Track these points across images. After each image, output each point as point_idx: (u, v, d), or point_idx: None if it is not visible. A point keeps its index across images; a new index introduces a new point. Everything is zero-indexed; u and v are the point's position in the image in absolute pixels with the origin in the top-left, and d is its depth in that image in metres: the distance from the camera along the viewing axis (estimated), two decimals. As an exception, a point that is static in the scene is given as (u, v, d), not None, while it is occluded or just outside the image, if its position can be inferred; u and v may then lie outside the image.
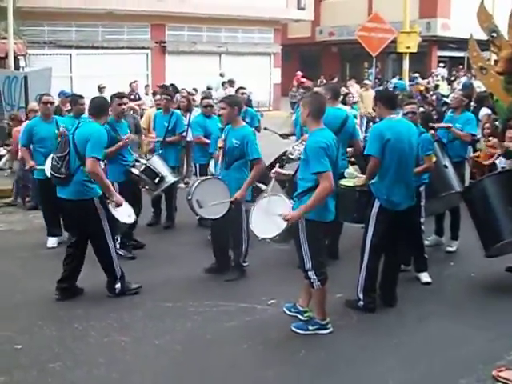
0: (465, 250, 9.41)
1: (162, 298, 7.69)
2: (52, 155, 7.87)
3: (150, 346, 6.44)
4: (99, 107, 7.72)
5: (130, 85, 21.54)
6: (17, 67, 18.97)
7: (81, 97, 10.21)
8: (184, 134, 11.73)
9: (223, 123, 8.69)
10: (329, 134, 6.56)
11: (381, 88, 22.40)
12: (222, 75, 27.37)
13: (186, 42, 30.92)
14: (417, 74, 27.07)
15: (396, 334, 6.74)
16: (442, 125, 9.82)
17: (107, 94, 20.42)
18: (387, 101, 7.28)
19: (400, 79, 24.01)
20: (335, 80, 31.83)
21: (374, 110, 13.66)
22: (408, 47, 22.46)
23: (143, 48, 29.66)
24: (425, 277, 8.29)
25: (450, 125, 9.68)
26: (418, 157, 7.81)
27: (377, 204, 7.17)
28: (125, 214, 8.11)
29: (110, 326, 6.85)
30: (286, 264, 8.42)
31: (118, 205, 7.69)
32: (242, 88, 13.15)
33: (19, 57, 20.41)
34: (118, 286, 7.73)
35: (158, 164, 9.96)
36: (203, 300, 7.41)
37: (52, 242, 9.94)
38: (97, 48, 27.73)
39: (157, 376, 5.89)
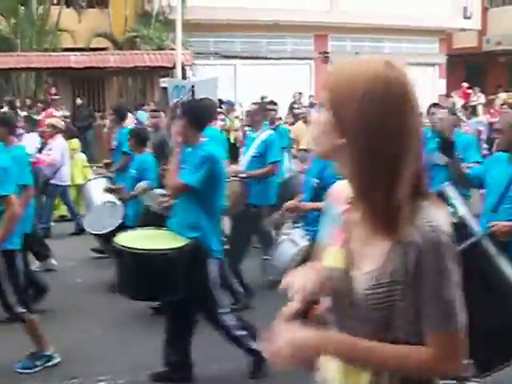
0: None
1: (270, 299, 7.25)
2: None
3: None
4: None
5: (294, 96, 21.57)
6: (184, 77, 19.48)
7: None
8: None
9: None
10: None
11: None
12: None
13: (349, 52, 30.74)
14: None
15: None
16: None
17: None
18: None
19: None
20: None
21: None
22: None
23: (306, 59, 29.83)
24: None
25: None
26: None
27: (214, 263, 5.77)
28: None
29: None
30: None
31: None
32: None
33: (186, 67, 21.00)
34: None
35: None
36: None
37: None
38: (261, 58, 28.17)
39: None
